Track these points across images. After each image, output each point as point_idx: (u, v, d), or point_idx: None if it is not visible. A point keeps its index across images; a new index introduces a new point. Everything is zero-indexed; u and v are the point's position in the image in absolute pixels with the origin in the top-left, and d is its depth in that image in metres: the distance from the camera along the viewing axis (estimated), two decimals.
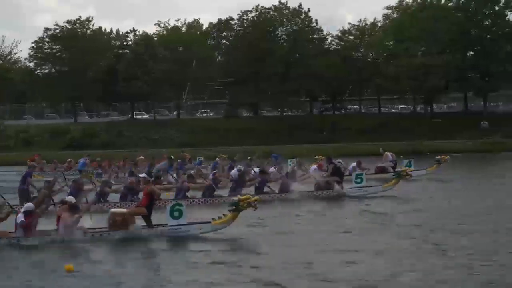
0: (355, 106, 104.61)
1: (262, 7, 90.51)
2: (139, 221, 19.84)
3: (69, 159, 48.80)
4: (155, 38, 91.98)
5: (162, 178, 29.08)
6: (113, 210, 20.73)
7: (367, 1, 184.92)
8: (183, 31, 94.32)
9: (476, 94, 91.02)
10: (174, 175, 33.04)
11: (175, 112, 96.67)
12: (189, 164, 41.72)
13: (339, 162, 35.18)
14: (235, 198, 19.70)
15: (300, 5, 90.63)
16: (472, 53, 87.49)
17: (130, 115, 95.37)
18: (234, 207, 19.02)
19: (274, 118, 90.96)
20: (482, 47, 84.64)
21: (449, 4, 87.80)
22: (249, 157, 40.58)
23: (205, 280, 14.16)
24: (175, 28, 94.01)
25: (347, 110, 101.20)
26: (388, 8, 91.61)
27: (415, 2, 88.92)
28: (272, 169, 32.64)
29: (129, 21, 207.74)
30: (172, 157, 40.72)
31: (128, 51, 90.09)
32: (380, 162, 39.35)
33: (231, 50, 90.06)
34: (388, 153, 39.80)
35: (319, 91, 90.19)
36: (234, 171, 32.01)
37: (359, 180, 29.59)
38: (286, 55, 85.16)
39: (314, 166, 34.22)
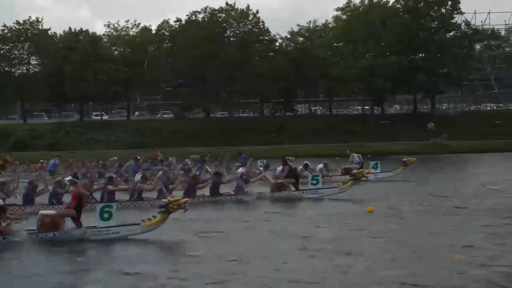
0: (314, 108, 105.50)
1: (210, 8, 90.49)
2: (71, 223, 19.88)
3: (42, 160, 48.61)
4: (104, 39, 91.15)
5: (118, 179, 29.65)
6: (41, 211, 20.64)
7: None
8: (133, 33, 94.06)
9: (423, 96, 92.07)
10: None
11: (133, 113, 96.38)
12: (159, 166, 40.42)
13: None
14: (165, 200, 19.72)
15: (248, 7, 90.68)
16: (421, 55, 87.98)
17: (79, 117, 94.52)
18: (163, 209, 18.95)
19: (223, 120, 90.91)
20: (428, 50, 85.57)
21: (397, 6, 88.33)
22: (219, 158, 40.80)
23: (132, 281, 14.27)
24: (125, 30, 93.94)
25: (297, 112, 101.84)
26: (337, 9, 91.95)
27: (363, 3, 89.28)
28: (241, 170, 32.41)
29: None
30: (139, 157, 40.46)
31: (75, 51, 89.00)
32: (347, 163, 39.13)
33: (180, 52, 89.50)
34: (355, 154, 39.61)
35: (267, 93, 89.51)
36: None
37: (315, 181, 29.49)
38: (233, 57, 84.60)
39: (280, 167, 33.51)
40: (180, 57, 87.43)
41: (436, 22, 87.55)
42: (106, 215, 19.30)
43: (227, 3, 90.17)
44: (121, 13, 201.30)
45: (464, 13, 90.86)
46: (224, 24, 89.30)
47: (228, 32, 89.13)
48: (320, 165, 36.67)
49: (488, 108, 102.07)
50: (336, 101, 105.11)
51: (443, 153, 63.20)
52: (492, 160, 54.69)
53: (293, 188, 29.79)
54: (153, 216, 19.24)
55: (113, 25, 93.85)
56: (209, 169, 34.61)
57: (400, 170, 37.94)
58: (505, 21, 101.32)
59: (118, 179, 30.30)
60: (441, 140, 72.60)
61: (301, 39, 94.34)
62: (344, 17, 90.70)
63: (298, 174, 31.04)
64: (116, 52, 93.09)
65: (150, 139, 76.95)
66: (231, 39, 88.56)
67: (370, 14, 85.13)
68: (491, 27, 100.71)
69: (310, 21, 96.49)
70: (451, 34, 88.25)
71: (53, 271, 15.38)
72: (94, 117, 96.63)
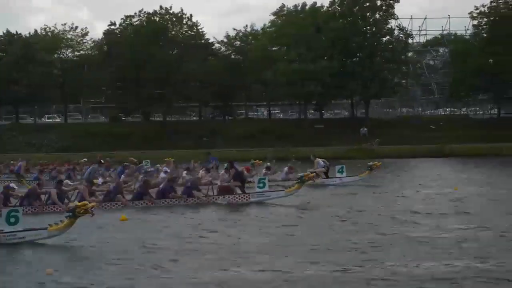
0: (262, 111, 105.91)
1: (145, 12, 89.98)
2: None
3: (12, 161, 49.16)
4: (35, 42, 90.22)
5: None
6: None
7: None
8: (71, 36, 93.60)
9: (358, 101, 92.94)
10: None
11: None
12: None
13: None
14: (72, 205, 19.56)
15: (181, 10, 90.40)
16: (355, 59, 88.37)
17: (14, 119, 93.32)
18: (71, 214, 18.83)
19: (158, 123, 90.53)
20: (360, 54, 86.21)
21: (330, 10, 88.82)
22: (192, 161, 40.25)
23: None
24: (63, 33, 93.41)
25: (240, 116, 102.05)
26: (273, 13, 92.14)
27: (296, 7, 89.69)
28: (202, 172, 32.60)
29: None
30: (102, 161, 40.02)
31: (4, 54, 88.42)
32: (312, 168, 38.00)
33: (115, 55, 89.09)
34: (320, 159, 38.87)
35: (200, 97, 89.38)
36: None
37: (261, 184, 29.01)
38: (166, 60, 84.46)
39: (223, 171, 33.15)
40: (116, 61, 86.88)
41: (368, 27, 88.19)
42: (12, 220, 19.15)
43: (161, 6, 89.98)
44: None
45: (398, 18, 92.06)
46: (159, 29, 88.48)
47: (162, 36, 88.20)
48: (286, 168, 36.66)
49: (427, 113, 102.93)
50: (277, 105, 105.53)
51: (368, 158, 63.49)
52: (410, 165, 55.38)
53: (239, 191, 29.36)
54: (60, 221, 19.04)
55: (49, 28, 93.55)
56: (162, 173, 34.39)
57: (366, 174, 37.55)
58: (442, 26, 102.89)
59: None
60: (370, 145, 73.25)
61: (238, 43, 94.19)
62: (279, 21, 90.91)
63: (244, 177, 30.74)
64: (55, 56, 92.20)
65: (82, 142, 77.03)
66: (165, 43, 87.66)
67: (302, 19, 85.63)
68: (426, 33, 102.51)
69: (246, 25, 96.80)
70: (385, 39, 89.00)
71: None
72: (27, 120, 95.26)
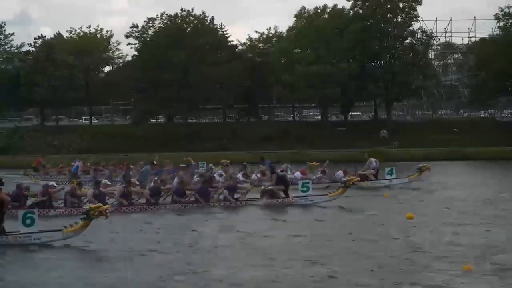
0: (283, 113, 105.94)
1: (167, 14, 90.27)
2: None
3: (72, 163, 49.20)
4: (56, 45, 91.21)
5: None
6: None
7: None
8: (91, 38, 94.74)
9: (379, 104, 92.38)
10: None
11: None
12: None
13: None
14: (86, 207, 20.07)
15: (204, 13, 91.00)
16: (378, 62, 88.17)
17: (40, 121, 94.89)
18: (85, 216, 19.21)
19: (177, 125, 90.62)
20: (381, 57, 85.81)
21: (350, 13, 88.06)
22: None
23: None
24: (85, 35, 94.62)
25: (263, 118, 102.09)
26: (295, 16, 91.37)
27: (317, 10, 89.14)
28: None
29: None
30: (155, 162, 40.67)
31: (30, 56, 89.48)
32: (363, 168, 38.70)
33: (137, 58, 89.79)
34: (372, 159, 39.25)
35: (222, 99, 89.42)
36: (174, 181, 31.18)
37: (305, 188, 29.15)
38: (187, 63, 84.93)
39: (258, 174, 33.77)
40: (138, 62, 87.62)
41: (390, 29, 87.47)
42: (28, 221, 19.57)
43: (182, 9, 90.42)
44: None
45: (422, 19, 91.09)
46: (180, 31, 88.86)
47: (182, 38, 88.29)
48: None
49: (452, 116, 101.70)
50: (303, 108, 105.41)
51: (382, 161, 62.90)
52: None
53: (283, 195, 29.53)
54: (75, 223, 19.49)
55: (74, 31, 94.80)
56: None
57: (416, 176, 37.73)
58: (468, 28, 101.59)
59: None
60: (389, 148, 72.62)
61: (261, 45, 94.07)
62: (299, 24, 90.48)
63: (287, 181, 30.77)
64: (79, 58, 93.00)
65: (102, 144, 77.86)
66: (185, 45, 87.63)
67: (322, 21, 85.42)
68: (451, 35, 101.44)
69: (269, 27, 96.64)
70: (407, 41, 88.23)
71: None
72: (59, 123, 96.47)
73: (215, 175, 34.15)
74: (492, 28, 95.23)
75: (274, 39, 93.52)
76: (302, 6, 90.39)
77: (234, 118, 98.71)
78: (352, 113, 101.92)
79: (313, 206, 28.26)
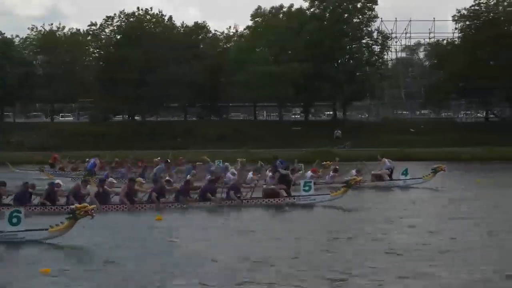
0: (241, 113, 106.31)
1: (125, 13, 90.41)
2: None
3: (87, 159, 49.21)
4: (16, 42, 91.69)
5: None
6: None
7: None
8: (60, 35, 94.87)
9: (339, 103, 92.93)
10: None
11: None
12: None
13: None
14: (73, 206, 20.04)
15: (161, 11, 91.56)
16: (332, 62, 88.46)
17: None
18: (71, 215, 19.26)
19: (135, 123, 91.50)
20: (335, 57, 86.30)
21: (307, 12, 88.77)
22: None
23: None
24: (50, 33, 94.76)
25: (230, 117, 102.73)
26: (251, 16, 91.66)
27: (272, 10, 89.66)
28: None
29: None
30: (169, 160, 40.80)
31: None
32: (377, 168, 38.76)
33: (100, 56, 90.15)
34: (386, 160, 39.11)
35: (181, 97, 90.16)
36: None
37: (307, 188, 28.96)
38: (144, 61, 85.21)
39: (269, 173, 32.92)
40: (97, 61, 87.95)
41: (345, 30, 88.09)
42: (14, 220, 19.60)
43: (138, 8, 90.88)
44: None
45: (381, 20, 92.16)
46: (138, 30, 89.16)
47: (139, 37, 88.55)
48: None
49: (410, 117, 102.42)
50: (263, 107, 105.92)
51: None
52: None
53: (284, 194, 29.26)
54: (61, 222, 19.52)
55: (36, 28, 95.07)
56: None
57: (430, 176, 37.48)
58: (429, 29, 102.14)
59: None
60: (341, 148, 73.10)
61: (221, 44, 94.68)
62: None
63: (289, 180, 30.59)
64: (40, 56, 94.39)
65: (61, 142, 77.29)
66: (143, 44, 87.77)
67: (278, 21, 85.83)
68: (411, 35, 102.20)
69: (230, 27, 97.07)
70: (364, 41, 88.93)
71: None
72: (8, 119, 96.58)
73: (228, 173, 34.08)
74: (453, 29, 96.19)
75: (234, 38, 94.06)
76: (259, 6, 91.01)
77: (195, 116, 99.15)
78: (315, 113, 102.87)
79: (314, 205, 28.24)
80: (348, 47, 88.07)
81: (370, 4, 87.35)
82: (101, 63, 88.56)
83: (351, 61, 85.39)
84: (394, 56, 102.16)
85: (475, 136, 76.63)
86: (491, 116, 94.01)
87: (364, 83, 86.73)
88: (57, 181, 28.73)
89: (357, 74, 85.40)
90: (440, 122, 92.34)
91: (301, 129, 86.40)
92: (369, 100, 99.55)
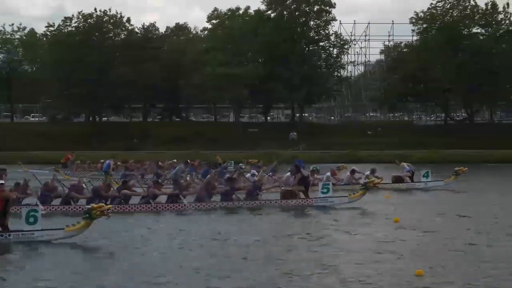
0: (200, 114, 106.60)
1: (83, 14, 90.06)
2: None
3: (102, 160, 49.55)
4: None
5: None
6: None
7: None
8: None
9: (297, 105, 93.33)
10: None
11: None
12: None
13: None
14: (89, 206, 20.04)
15: (120, 13, 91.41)
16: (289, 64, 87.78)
17: None
18: (87, 215, 19.28)
19: (89, 124, 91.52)
20: (291, 60, 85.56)
21: (264, 15, 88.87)
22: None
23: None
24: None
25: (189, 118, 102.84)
26: (207, 18, 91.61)
27: (228, 12, 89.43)
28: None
29: None
30: (188, 161, 40.71)
31: None
32: (397, 171, 38.67)
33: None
34: (405, 164, 38.95)
35: (132, 98, 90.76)
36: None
37: (325, 190, 28.62)
38: (98, 62, 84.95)
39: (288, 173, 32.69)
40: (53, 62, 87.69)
41: (299, 31, 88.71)
42: (31, 219, 19.63)
43: (95, 9, 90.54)
44: None
45: (340, 23, 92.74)
46: (96, 31, 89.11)
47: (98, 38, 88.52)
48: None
49: (369, 119, 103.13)
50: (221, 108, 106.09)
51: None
52: None
53: (302, 196, 29.03)
54: (78, 222, 19.60)
55: None
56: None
57: (452, 179, 37.41)
58: (388, 32, 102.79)
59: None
60: (296, 149, 73.31)
61: (176, 46, 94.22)
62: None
63: (308, 182, 30.21)
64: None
65: (12, 142, 76.48)
66: (98, 45, 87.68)
67: (233, 23, 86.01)
68: (370, 38, 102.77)
69: (187, 28, 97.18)
70: (322, 44, 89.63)
71: None
72: None
73: (248, 175, 33.70)
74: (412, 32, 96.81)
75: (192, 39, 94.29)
76: (215, 7, 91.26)
77: (156, 117, 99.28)
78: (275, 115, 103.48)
79: (332, 207, 28.00)
80: (307, 49, 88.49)
81: (328, 8, 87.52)
82: (57, 63, 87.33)
83: (307, 64, 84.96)
84: (353, 59, 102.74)
85: (431, 139, 77.32)
86: (449, 120, 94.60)
87: (321, 85, 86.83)
88: (78, 182, 28.90)
89: (313, 76, 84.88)
90: (398, 125, 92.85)
91: (258, 130, 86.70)
92: (332, 102, 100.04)
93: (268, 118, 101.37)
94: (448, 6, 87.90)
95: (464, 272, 15.47)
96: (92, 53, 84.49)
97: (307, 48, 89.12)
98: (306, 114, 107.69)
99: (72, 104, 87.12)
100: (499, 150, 69.47)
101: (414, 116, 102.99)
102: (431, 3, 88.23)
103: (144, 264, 16.55)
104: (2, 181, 21.28)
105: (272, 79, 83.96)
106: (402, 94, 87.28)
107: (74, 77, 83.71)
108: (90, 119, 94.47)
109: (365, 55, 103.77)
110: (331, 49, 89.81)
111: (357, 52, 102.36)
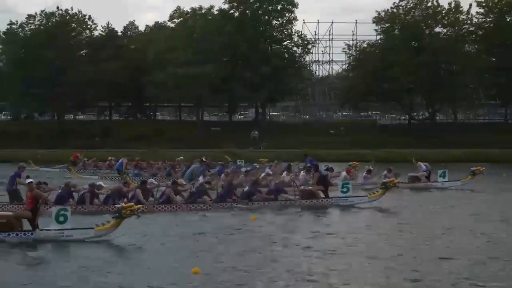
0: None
1: (46, 12, 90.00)
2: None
3: (110, 157, 50.03)
4: None
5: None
6: None
7: None
8: None
9: (256, 105, 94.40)
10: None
11: None
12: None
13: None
14: (119, 206, 20.19)
15: (80, 11, 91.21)
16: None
17: None
18: (117, 214, 19.41)
19: (53, 123, 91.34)
20: (252, 60, 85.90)
21: (226, 14, 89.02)
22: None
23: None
24: None
25: (157, 117, 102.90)
26: (169, 17, 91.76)
27: (190, 11, 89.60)
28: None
29: None
30: (204, 159, 41.11)
31: None
32: (414, 171, 39.01)
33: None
34: (422, 163, 39.09)
35: (94, 97, 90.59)
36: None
37: (345, 189, 28.75)
38: (58, 61, 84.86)
39: (303, 173, 33.23)
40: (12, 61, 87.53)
41: (262, 30, 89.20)
42: (61, 218, 19.67)
43: (57, 7, 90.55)
44: None
45: (304, 22, 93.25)
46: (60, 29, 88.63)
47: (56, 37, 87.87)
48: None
49: (333, 118, 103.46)
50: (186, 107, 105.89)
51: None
52: None
53: (322, 195, 29.14)
54: (107, 221, 19.71)
55: None
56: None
57: (469, 179, 37.66)
58: (352, 31, 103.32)
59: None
60: (256, 148, 73.69)
61: (140, 45, 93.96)
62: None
63: (328, 182, 30.52)
64: None
65: None
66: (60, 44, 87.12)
67: (195, 22, 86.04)
68: (333, 37, 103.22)
69: (147, 26, 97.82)
70: (284, 44, 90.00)
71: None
72: None
73: (262, 174, 33.90)
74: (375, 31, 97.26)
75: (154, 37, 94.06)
76: (178, 6, 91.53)
77: (121, 116, 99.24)
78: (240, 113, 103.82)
79: (352, 207, 28.16)
80: (269, 48, 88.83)
81: (290, 7, 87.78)
82: (17, 62, 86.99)
83: (268, 64, 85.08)
84: (316, 58, 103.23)
85: (393, 139, 78.03)
86: (412, 119, 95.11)
87: (283, 85, 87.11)
88: (98, 182, 28.88)
89: (275, 76, 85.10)
90: (361, 124, 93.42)
91: (220, 129, 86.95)
92: (298, 101, 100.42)
93: (240, 117, 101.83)
94: (411, 5, 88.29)
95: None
96: (52, 52, 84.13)
97: (270, 48, 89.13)
98: (278, 113, 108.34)
99: (35, 103, 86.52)
100: (458, 149, 70.14)
101: (378, 116, 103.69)
102: (394, 2, 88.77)
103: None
104: (31, 180, 21.63)
105: (234, 78, 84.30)
106: (364, 93, 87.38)
107: (35, 76, 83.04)
108: (55, 117, 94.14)
109: (329, 54, 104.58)
110: (294, 48, 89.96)
111: (321, 51, 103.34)
